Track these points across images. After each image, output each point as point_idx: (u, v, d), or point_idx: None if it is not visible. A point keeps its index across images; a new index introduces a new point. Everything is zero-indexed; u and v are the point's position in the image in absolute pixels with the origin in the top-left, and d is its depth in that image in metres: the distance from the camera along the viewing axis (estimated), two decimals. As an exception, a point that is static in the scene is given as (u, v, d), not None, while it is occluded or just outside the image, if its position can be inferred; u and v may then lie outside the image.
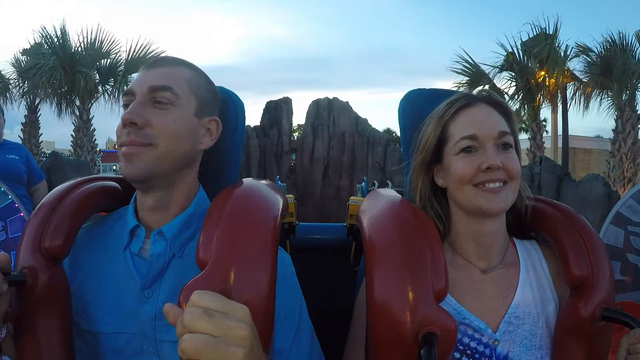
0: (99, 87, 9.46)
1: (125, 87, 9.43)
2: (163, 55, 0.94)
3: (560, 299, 0.92)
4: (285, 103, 7.42)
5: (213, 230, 0.73)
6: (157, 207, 0.85)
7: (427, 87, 1.14)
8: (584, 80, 9.94)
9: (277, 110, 7.30)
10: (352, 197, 1.91)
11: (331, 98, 7.44)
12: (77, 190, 0.87)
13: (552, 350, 0.88)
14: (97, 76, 9.48)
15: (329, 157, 7.13)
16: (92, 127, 9.64)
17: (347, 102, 7.52)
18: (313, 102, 7.51)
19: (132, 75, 9.24)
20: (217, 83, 0.97)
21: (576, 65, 9.99)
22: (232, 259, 0.70)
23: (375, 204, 0.94)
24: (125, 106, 0.85)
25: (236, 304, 0.59)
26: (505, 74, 10.00)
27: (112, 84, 9.63)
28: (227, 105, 0.98)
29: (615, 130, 9.61)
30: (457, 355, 0.88)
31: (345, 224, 1.69)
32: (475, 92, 0.96)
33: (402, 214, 0.88)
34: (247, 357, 0.56)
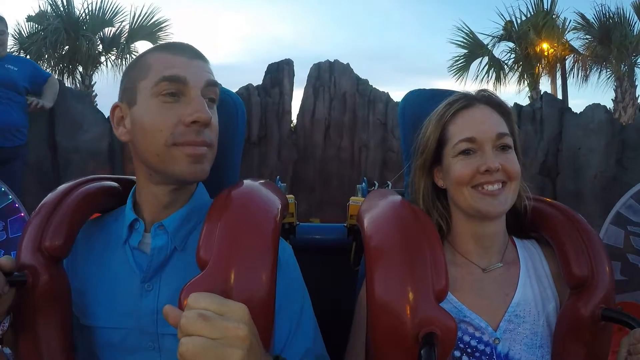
0: (102, 57, 9.28)
1: (128, 56, 8.60)
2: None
3: (561, 298, 0.92)
4: (287, 64, 7.22)
5: (213, 230, 0.73)
6: (169, 204, 0.85)
7: (428, 87, 1.14)
8: (582, 52, 9.80)
9: (279, 72, 7.09)
10: (352, 198, 1.91)
11: (332, 61, 7.30)
12: (78, 190, 0.87)
13: (553, 349, 0.88)
14: (100, 46, 9.31)
15: (330, 118, 6.98)
16: (94, 93, 9.35)
17: (347, 64, 7.29)
18: (314, 65, 7.24)
19: (134, 44, 8.91)
20: (217, 82, 0.96)
21: (575, 34, 9.85)
22: (233, 259, 0.70)
23: (376, 204, 0.94)
24: (171, 95, 0.78)
25: (234, 304, 0.59)
26: (504, 47, 9.85)
27: (115, 53, 9.43)
28: (226, 105, 0.98)
29: (615, 100, 9.49)
30: (457, 353, 0.88)
31: (345, 224, 1.69)
32: (474, 92, 0.96)
33: (403, 214, 0.89)
34: (245, 357, 0.56)
